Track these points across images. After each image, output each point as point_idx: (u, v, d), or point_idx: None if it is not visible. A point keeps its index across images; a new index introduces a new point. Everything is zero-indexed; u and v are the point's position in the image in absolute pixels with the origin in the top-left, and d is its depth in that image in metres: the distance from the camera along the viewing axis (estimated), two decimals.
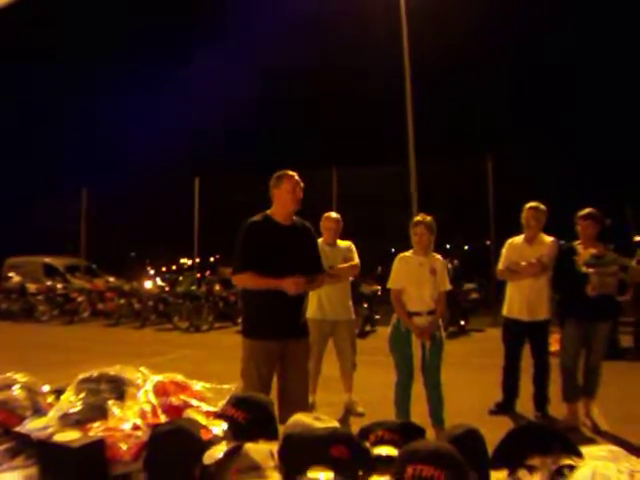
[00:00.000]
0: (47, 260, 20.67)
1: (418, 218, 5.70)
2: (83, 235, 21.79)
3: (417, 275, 5.55)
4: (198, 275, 18.56)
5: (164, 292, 16.74)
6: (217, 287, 15.84)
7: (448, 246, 21.81)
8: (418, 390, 5.62)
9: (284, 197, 4.38)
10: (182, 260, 30.71)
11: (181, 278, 17.69)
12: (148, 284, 17.14)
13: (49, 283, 18.29)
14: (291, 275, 4.20)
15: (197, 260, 21.65)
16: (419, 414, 5.40)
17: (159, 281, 17.95)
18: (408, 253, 5.74)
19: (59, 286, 18.16)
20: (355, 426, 2.14)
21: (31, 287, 18.13)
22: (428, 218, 5.64)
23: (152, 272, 23.59)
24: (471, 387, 7.39)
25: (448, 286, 5.68)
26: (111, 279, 19.24)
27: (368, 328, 13.65)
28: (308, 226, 4.61)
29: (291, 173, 4.43)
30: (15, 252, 21.45)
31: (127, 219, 24.42)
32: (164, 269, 29.39)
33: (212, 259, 28.49)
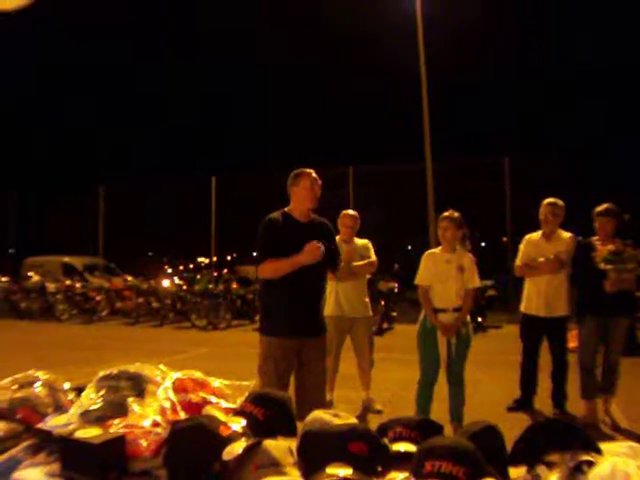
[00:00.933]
0: (66, 259, 20.80)
1: (445, 214, 5.69)
2: (101, 234, 21.92)
3: (443, 272, 5.54)
4: (215, 273, 18.62)
5: (182, 290, 16.81)
6: (234, 285, 15.91)
7: (465, 243, 21.71)
8: (437, 387, 5.62)
9: (302, 194, 4.39)
10: (199, 259, 30.79)
11: (199, 276, 17.75)
12: (166, 283, 17.20)
13: (68, 282, 18.39)
14: (308, 271, 4.21)
15: (214, 258, 21.71)
16: (437, 411, 5.40)
17: (177, 280, 18.01)
18: (436, 250, 5.74)
19: (78, 285, 18.26)
20: (373, 423, 2.14)
21: (50, 286, 18.22)
22: (455, 214, 5.62)
23: (170, 271, 23.71)
24: (489, 384, 7.37)
25: (477, 283, 5.63)
26: (129, 278, 19.31)
27: (385, 325, 13.65)
28: (327, 223, 4.61)
29: (309, 171, 4.43)
30: (34, 252, 21.63)
31: (145, 218, 24.53)
32: (181, 268, 29.49)
33: (229, 257, 28.57)
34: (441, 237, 5.64)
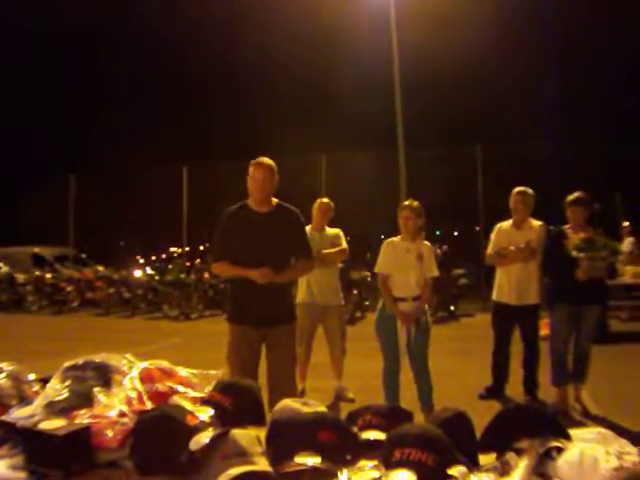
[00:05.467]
0: (36, 250, 20.48)
1: (405, 203, 5.73)
2: (71, 224, 21.67)
3: (403, 261, 5.57)
4: (188, 263, 18.51)
5: (153, 280, 16.71)
6: (206, 275, 15.81)
7: (437, 232, 21.82)
8: (408, 375, 5.64)
9: (251, 184, 4.41)
10: (172, 249, 30.57)
11: (170, 266, 17.63)
12: (137, 273, 17.09)
13: (38, 273, 18.12)
14: (262, 262, 4.23)
15: (186, 248, 21.58)
16: (409, 399, 5.41)
17: (149, 270, 17.89)
18: (396, 238, 5.75)
19: (48, 276, 18.00)
20: (345, 412, 2.13)
21: (20, 277, 18.01)
22: (415, 203, 5.67)
23: (142, 261, 23.51)
24: (461, 372, 7.41)
25: (435, 272, 5.68)
26: (100, 268, 19.11)
27: (358, 314, 13.69)
28: (293, 212, 4.58)
29: (258, 160, 4.43)
30: (3, 242, 21.32)
31: (116, 208, 24.32)
32: (154, 258, 29.28)
33: (202, 247, 28.39)
34: (402, 226, 5.66)
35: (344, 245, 6.69)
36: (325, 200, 6.87)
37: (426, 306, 5.66)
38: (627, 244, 12.37)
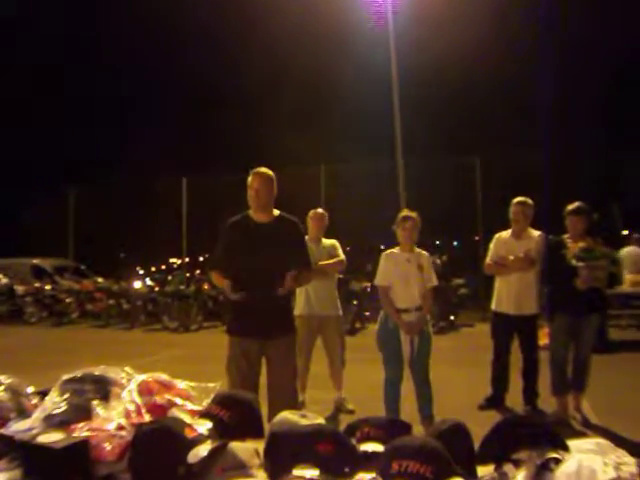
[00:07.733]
0: (35, 261, 20.45)
1: (405, 213, 5.69)
2: (71, 235, 21.68)
3: (404, 271, 5.55)
4: (187, 274, 18.49)
5: (153, 292, 16.67)
6: (206, 286, 15.77)
7: (437, 242, 21.84)
8: (408, 386, 5.62)
9: (249, 194, 4.43)
10: (171, 260, 30.55)
11: (170, 278, 17.61)
12: (137, 284, 17.04)
13: (37, 284, 18.13)
14: (260, 272, 4.23)
15: (186, 260, 21.58)
16: (408, 410, 5.41)
17: (148, 281, 17.86)
18: (395, 250, 5.73)
19: (47, 287, 17.97)
20: (345, 423, 2.13)
21: (19, 289, 17.97)
22: (413, 213, 5.65)
23: (141, 272, 23.50)
24: (460, 382, 7.40)
25: (435, 282, 5.68)
26: (100, 280, 19.09)
27: (358, 325, 13.66)
28: (293, 222, 4.59)
29: (255, 170, 4.46)
30: (2, 253, 21.30)
31: (116, 219, 24.31)
32: (153, 269, 29.24)
33: (201, 258, 28.38)
34: (405, 237, 5.62)
35: (341, 256, 6.69)
36: (319, 210, 6.88)
37: (428, 316, 5.66)
38: None
